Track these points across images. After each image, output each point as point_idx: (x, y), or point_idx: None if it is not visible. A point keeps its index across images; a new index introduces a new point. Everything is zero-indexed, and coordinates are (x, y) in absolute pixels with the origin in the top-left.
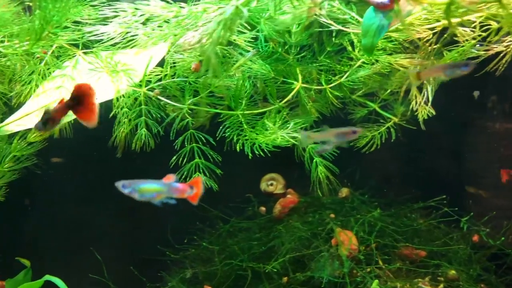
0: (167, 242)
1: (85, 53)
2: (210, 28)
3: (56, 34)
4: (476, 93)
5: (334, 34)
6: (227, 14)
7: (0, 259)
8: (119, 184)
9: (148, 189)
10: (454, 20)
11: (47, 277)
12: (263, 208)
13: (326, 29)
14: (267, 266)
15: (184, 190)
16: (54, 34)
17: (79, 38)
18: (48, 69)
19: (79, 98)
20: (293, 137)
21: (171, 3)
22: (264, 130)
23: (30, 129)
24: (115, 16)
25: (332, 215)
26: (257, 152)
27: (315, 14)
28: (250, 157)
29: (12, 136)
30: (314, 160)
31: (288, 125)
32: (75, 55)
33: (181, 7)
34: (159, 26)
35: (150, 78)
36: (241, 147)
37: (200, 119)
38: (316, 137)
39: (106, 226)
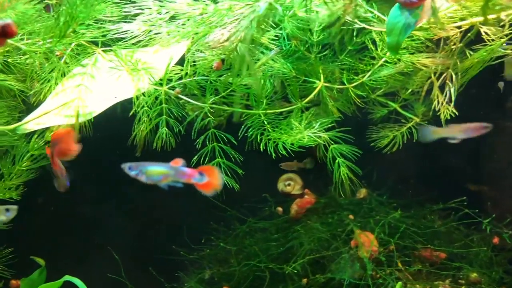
0: (183, 242)
1: (104, 51)
2: (243, 26)
3: (78, 32)
4: (501, 84)
5: (355, 33)
6: (260, 11)
7: (16, 258)
8: (125, 166)
9: (155, 171)
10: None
11: (67, 277)
12: (280, 209)
13: (348, 27)
14: (287, 267)
15: (191, 175)
16: (76, 32)
17: (101, 35)
18: (68, 67)
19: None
20: (319, 137)
21: (197, 0)
22: (289, 129)
23: (47, 128)
24: (135, 15)
25: (351, 216)
26: (283, 152)
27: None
28: (273, 157)
29: (29, 134)
30: (337, 161)
31: (313, 125)
32: (94, 53)
33: (206, 4)
34: (182, 24)
35: (171, 76)
36: (264, 147)
37: (220, 118)
38: (442, 133)
39: (122, 226)
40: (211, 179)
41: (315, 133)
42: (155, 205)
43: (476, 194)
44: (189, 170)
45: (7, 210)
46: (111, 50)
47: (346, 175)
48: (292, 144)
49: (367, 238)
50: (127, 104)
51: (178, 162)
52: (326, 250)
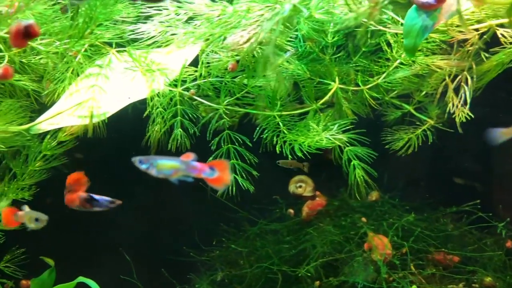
0: (194, 244)
1: (118, 51)
2: (267, 27)
3: (95, 32)
4: None
5: (369, 34)
6: (285, 13)
7: (27, 259)
8: (136, 160)
9: (166, 165)
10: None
11: (81, 278)
12: (291, 211)
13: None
14: (300, 270)
15: (201, 169)
16: (93, 33)
17: (118, 36)
18: (81, 67)
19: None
20: (338, 139)
21: (216, 2)
22: (306, 131)
23: (60, 128)
24: (147, 16)
25: (364, 219)
26: (299, 154)
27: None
28: (289, 158)
29: (40, 134)
30: (352, 163)
31: (331, 127)
32: (108, 54)
33: (224, 6)
34: (199, 25)
35: (185, 78)
36: (279, 149)
37: (232, 119)
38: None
39: (132, 227)
40: (221, 174)
41: (333, 135)
42: (166, 206)
43: (487, 197)
44: (199, 164)
45: (36, 219)
46: (125, 50)
47: (361, 177)
48: (310, 146)
49: (380, 241)
50: (139, 105)
51: (189, 156)
52: (339, 253)
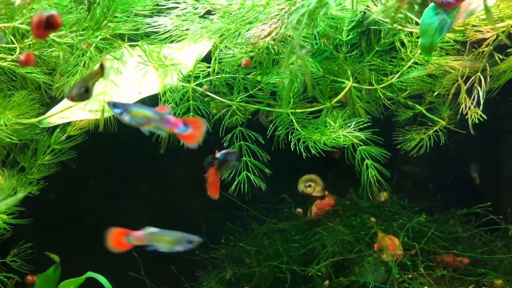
0: (202, 242)
1: (130, 46)
2: (293, 20)
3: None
4: None
5: (382, 33)
6: (311, 5)
7: (34, 254)
8: (110, 104)
9: (140, 113)
10: None
11: (90, 273)
12: (299, 210)
13: (376, 27)
14: (310, 269)
15: (175, 123)
16: (108, 25)
17: (134, 29)
18: (93, 61)
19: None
20: (355, 137)
21: None
22: (323, 128)
23: (69, 122)
24: (158, 10)
25: (373, 219)
26: (313, 152)
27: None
28: (304, 157)
29: (49, 128)
30: (365, 162)
31: (348, 124)
32: (120, 48)
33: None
34: (217, 20)
35: (197, 73)
36: (294, 146)
37: (243, 115)
38: None
39: (140, 223)
40: (194, 131)
41: (350, 132)
42: (174, 203)
43: (496, 199)
44: (174, 118)
45: (189, 242)
46: (137, 45)
47: (374, 177)
48: (325, 144)
49: (391, 241)
50: (147, 101)
51: (164, 109)
52: (349, 253)
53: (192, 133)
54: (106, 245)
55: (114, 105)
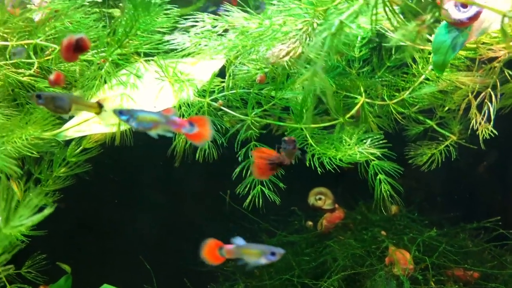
0: None
1: (146, 61)
2: (317, 43)
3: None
4: None
5: (393, 49)
6: (333, 29)
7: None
8: (116, 111)
9: (146, 118)
10: None
11: (106, 286)
12: (310, 223)
13: (387, 44)
14: (322, 283)
15: (181, 124)
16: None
17: (153, 47)
18: (109, 75)
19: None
20: (372, 153)
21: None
22: (338, 144)
23: (85, 136)
24: (172, 28)
25: (384, 233)
26: (328, 167)
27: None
28: (319, 173)
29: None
30: (378, 177)
31: (364, 141)
32: (135, 63)
33: (262, 18)
34: (235, 38)
35: (213, 88)
36: (309, 162)
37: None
38: None
39: (153, 236)
40: (201, 130)
41: (366, 149)
42: (185, 215)
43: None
44: (179, 119)
45: (272, 254)
46: (152, 59)
47: (387, 192)
48: (341, 160)
49: (402, 255)
50: None
51: (170, 111)
52: (360, 267)
53: (199, 132)
54: (201, 256)
55: (120, 112)
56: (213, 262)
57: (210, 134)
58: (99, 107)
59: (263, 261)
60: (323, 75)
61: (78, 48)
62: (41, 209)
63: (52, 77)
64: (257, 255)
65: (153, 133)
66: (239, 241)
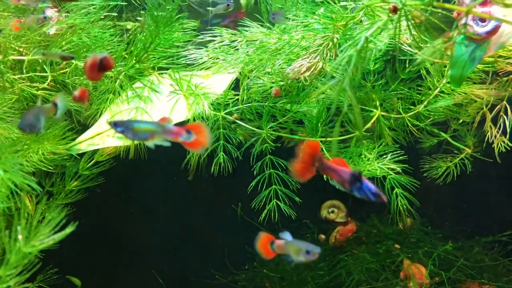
0: (221, 266)
1: (159, 73)
2: (343, 60)
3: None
4: None
5: (407, 62)
6: (358, 46)
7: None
8: (111, 123)
9: (141, 128)
10: None
11: None
12: (322, 236)
13: (402, 57)
14: None
15: (178, 133)
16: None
17: (172, 62)
18: (122, 88)
19: None
20: (392, 169)
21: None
22: (357, 158)
23: (97, 150)
24: (185, 41)
25: (397, 246)
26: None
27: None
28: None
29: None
30: (394, 191)
31: (384, 156)
32: (149, 76)
33: (281, 34)
34: (254, 51)
35: (227, 101)
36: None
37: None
38: None
39: (164, 249)
40: (199, 137)
41: (386, 164)
42: (196, 229)
43: None
44: (176, 128)
45: (307, 252)
46: (165, 73)
47: (404, 206)
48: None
49: (417, 269)
50: None
51: (166, 120)
52: (375, 281)
53: (196, 139)
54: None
55: (115, 124)
56: (266, 255)
57: (209, 141)
58: (55, 107)
59: (302, 258)
60: (350, 92)
61: (102, 67)
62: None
63: (76, 93)
64: (297, 251)
65: (150, 143)
66: (287, 236)
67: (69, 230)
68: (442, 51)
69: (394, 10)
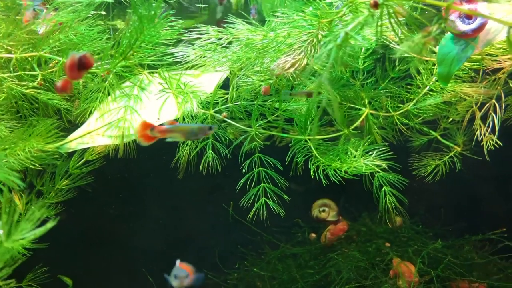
0: (215, 266)
1: (149, 73)
2: (322, 55)
3: (135, 54)
4: None
5: (397, 60)
6: (338, 41)
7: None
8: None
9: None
10: None
11: None
12: (313, 235)
13: (392, 56)
14: None
15: None
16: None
17: (157, 59)
18: (113, 87)
19: None
20: (378, 166)
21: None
22: (343, 156)
23: (87, 148)
24: (177, 40)
25: (388, 244)
26: (333, 179)
27: (386, 40)
28: (324, 184)
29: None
30: (383, 189)
31: (370, 153)
32: (139, 74)
33: (266, 31)
34: (241, 49)
35: (216, 100)
36: (314, 174)
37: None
38: None
39: (154, 249)
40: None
41: (372, 161)
42: (187, 228)
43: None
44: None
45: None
46: (155, 71)
47: (392, 204)
48: (346, 172)
49: (407, 268)
50: None
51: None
52: (364, 279)
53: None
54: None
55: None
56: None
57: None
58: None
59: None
60: (329, 87)
61: (82, 66)
62: (43, 222)
63: (59, 84)
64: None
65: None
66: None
67: (50, 225)
68: (421, 45)
69: (375, 5)
